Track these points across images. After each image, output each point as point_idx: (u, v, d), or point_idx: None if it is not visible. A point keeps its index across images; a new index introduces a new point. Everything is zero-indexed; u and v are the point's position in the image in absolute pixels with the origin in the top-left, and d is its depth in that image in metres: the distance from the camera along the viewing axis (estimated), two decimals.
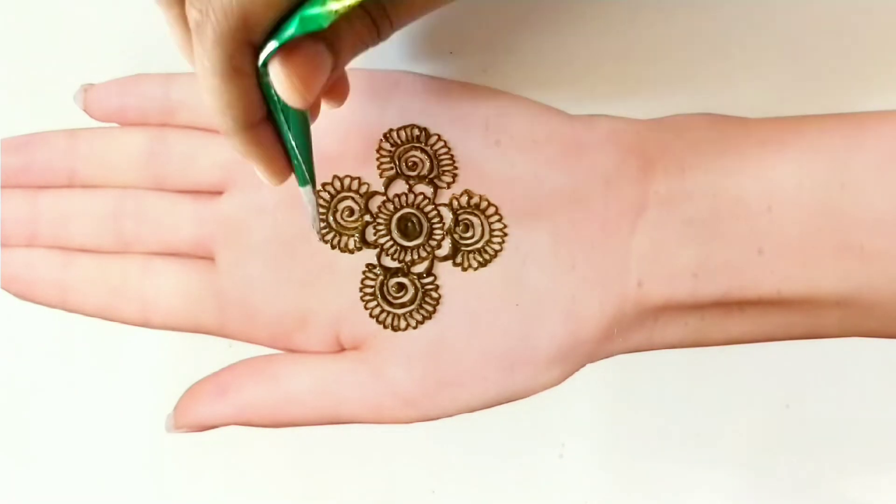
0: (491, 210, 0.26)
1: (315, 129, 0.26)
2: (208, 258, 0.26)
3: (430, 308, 0.25)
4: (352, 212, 0.26)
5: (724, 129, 0.26)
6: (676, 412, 0.29)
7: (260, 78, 0.19)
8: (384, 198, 0.26)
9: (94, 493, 0.31)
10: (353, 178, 0.26)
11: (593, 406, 0.29)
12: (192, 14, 0.18)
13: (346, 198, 0.26)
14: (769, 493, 0.29)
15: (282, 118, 0.20)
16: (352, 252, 0.26)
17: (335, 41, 0.20)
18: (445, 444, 0.30)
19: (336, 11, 0.17)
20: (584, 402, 0.29)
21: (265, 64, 0.19)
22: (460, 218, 0.26)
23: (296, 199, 0.26)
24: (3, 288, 0.27)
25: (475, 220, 0.26)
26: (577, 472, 0.30)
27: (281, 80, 0.19)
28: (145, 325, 0.27)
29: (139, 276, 0.26)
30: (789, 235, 0.24)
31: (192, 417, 0.26)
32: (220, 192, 0.27)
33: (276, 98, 0.20)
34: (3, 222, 0.27)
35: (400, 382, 0.25)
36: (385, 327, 0.25)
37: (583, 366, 0.26)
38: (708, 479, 0.30)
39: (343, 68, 0.21)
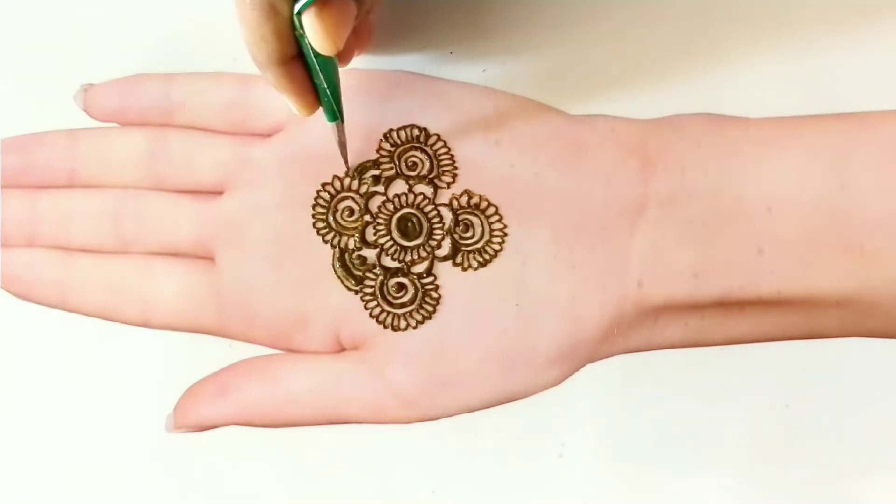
0: (491, 210, 0.26)
1: (315, 129, 0.26)
2: (208, 258, 0.26)
3: (430, 308, 0.25)
4: (352, 212, 0.26)
5: (724, 129, 0.26)
6: (676, 412, 0.29)
7: (292, 22, 0.20)
8: (384, 198, 0.26)
9: (94, 493, 0.31)
10: (353, 179, 0.26)
11: (593, 406, 0.29)
12: None
13: (346, 198, 0.26)
14: (769, 493, 0.29)
15: (312, 59, 0.21)
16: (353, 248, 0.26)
17: None
18: (445, 444, 0.30)
19: None
20: (584, 402, 0.29)
21: (300, 12, 0.20)
22: (460, 218, 0.26)
23: (296, 199, 0.26)
24: (3, 288, 0.27)
25: (475, 220, 0.26)
26: (577, 472, 0.30)
27: (315, 31, 0.20)
28: (145, 325, 0.27)
29: (139, 276, 0.26)
30: (789, 235, 0.24)
31: (192, 417, 0.26)
32: (220, 192, 0.27)
33: (306, 42, 0.21)
34: (3, 222, 0.27)
35: (400, 382, 0.25)
36: (385, 327, 0.25)
37: (583, 366, 0.26)
38: (708, 479, 0.30)
39: (365, 15, 0.22)
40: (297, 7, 0.20)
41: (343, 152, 0.25)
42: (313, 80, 0.22)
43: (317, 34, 0.20)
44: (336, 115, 0.23)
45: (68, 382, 0.31)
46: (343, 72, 0.27)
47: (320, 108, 0.24)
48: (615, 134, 0.26)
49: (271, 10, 0.20)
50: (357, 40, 0.25)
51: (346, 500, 0.31)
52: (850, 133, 0.24)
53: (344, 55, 0.24)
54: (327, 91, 0.22)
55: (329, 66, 0.22)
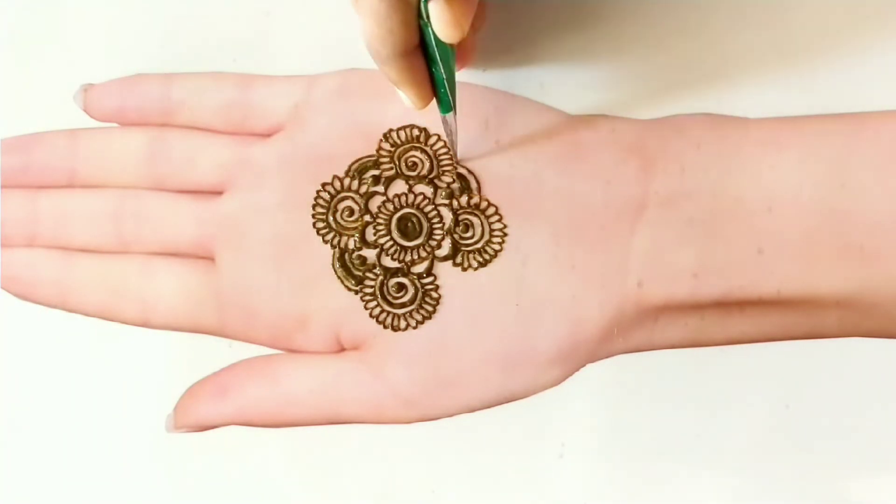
0: (491, 210, 0.26)
1: (316, 128, 0.26)
2: (208, 258, 0.26)
3: (430, 308, 0.25)
4: (352, 212, 0.26)
5: (724, 129, 0.26)
6: (676, 412, 0.29)
7: (418, 11, 0.20)
8: (384, 198, 0.26)
9: (93, 492, 0.31)
10: (353, 178, 0.26)
11: (593, 406, 0.29)
12: None
13: (346, 198, 0.26)
14: (769, 493, 0.29)
15: (434, 48, 0.21)
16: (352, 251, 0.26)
17: None
18: (445, 444, 0.30)
19: None
20: (584, 402, 0.29)
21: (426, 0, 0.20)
22: (460, 218, 0.26)
23: (296, 199, 0.26)
24: (3, 288, 0.27)
25: (475, 220, 0.26)
26: (577, 472, 0.30)
27: (442, 18, 0.20)
28: (145, 325, 0.27)
29: (139, 276, 0.26)
30: (789, 235, 0.24)
31: (192, 417, 0.26)
32: (220, 192, 0.27)
33: (430, 31, 0.21)
34: (3, 222, 0.27)
35: (400, 382, 0.25)
36: (385, 327, 0.25)
37: (583, 366, 0.25)
38: (708, 479, 0.30)
39: (472, 33, 0.22)
40: None
41: (453, 143, 0.25)
42: (430, 70, 0.22)
43: (443, 21, 0.20)
44: (451, 106, 0.23)
45: (68, 382, 0.31)
46: (344, 71, 0.27)
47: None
48: (615, 134, 0.26)
49: (399, 1, 0.20)
50: (460, 57, 0.25)
51: (346, 500, 0.31)
52: (850, 133, 0.24)
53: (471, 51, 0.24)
54: (445, 82, 0.22)
55: (449, 55, 0.22)
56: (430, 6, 0.20)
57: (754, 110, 0.26)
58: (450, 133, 0.25)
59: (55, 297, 0.27)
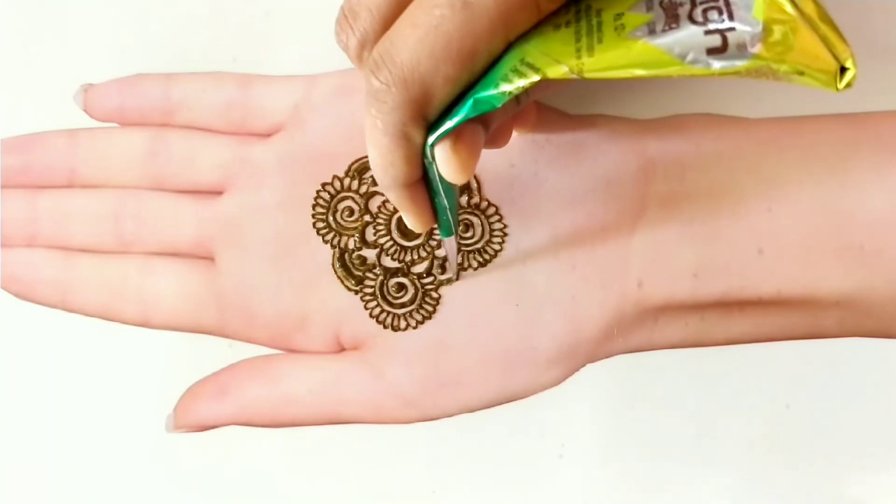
0: (491, 210, 0.26)
1: (316, 128, 0.26)
2: (208, 258, 0.26)
3: (430, 308, 0.25)
4: (352, 212, 0.26)
5: (724, 129, 0.26)
6: (676, 412, 0.29)
7: (423, 149, 0.20)
8: (384, 198, 0.26)
9: (93, 492, 0.31)
10: (353, 178, 0.26)
11: (593, 406, 0.29)
12: (374, 82, 0.19)
13: (346, 198, 0.26)
14: (769, 492, 0.29)
15: (437, 184, 0.21)
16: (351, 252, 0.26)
17: (487, 117, 0.20)
18: (445, 444, 0.30)
19: (509, 93, 0.18)
20: (584, 402, 0.29)
21: (433, 144, 0.20)
22: (460, 218, 0.26)
23: (296, 199, 0.26)
24: (3, 288, 0.27)
25: (475, 220, 0.26)
26: (577, 472, 0.30)
27: (447, 162, 0.20)
28: (145, 325, 0.27)
29: (139, 276, 0.26)
30: (789, 235, 0.24)
31: (192, 417, 0.26)
32: (220, 192, 0.27)
33: (434, 169, 0.21)
34: (3, 222, 0.27)
35: (400, 382, 0.25)
36: (385, 327, 0.25)
37: (583, 366, 0.25)
38: (708, 479, 0.30)
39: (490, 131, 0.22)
40: (430, 139, 0.20)
41: (453, 263, 0.25)
42: (433, 199, 0.22)
43: (449, 165, 0.20)
44: (452, 231, 0.23)
45: (68, 382, 0.31)
46: (344, 71, 0.27)
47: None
48: (615, 134, 0.26)
49: (404, 138, 0.20)
50: (518, 122, 0.25)
51: (346, 499, 0.31)
52: (850, 133, 0.24)
53: (501, 138, 0.24)
54: (448, 210, 0.22)
55: (451, 188, 0.22)
56: (437, 149, 0.20)
57: (754, 110, 0.26)
58: (451, 253, 0.25)
59: (55, 297, 0.27)
